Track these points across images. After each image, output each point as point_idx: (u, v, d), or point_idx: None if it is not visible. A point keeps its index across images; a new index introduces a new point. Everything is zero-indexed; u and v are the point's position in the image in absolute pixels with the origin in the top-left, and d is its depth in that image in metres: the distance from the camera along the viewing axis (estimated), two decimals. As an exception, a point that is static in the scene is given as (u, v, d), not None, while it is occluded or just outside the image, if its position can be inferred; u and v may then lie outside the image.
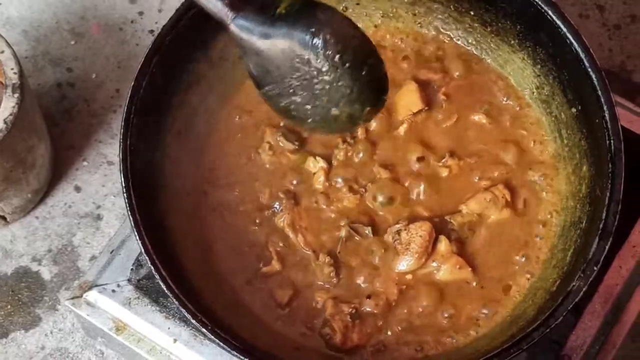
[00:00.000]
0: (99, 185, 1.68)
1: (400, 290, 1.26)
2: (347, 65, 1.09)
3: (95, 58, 1.78)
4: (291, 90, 1.12)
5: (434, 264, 1.26)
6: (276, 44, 1.10)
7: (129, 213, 1.16)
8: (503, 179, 1.30)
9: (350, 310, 1.24)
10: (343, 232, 1.27)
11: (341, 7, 1.38)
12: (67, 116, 1.73)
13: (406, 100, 1.34)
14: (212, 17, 1.11)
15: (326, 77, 1.10)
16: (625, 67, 1.75)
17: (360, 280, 1.26)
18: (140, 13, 1.82)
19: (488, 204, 1.27)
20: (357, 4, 1.38)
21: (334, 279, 1.26)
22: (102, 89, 1.75)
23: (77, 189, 1.68)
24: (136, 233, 1.15)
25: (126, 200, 1.17)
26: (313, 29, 1.08)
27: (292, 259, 1.28)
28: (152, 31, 1.80)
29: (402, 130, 1.33)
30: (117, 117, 1.72)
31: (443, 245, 1.26)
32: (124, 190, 1.17)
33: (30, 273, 1.61)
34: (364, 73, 1.11)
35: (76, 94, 1.75)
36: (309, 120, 1.15)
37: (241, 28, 1.10)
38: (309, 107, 1.14)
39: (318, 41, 1.08)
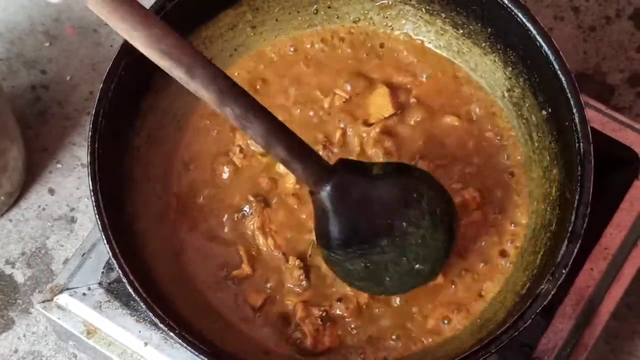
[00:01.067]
0: (72, 187, 1.67)
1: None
2: (442, 218, 1.17)
3: (70, 60, 1.77)
4: (377, 249, 1.16)
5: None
6: (376, 199, 1.15)
7: (97, 216, 1.15)
8: (473, 181, 1.30)
9: (321, 313, 1.24)
10: (313, 235, 1.27)
11: (312, 9, 1.37)
12: (40, 118, 1.72)
13: (378, 104, 1.34)
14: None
15: (422, 231, 1.15)
16: (600, 68, 1.75)
17: (330, 283, 1.26)
18: (115, 15, 1.81)
19: (458, 207, 1.27)
20: (329, 7, 1.38)
21: (304, 282, 1.26)
22: (76, 91, 1.75)
23: (51, 191, 1.67)
24: (104, 237, 1.15)
25: (94, 204, 1.16)
26: (414, 185, 1.16)
27: (263, 263, 1.28)
28: (126, 33, 1.79)
29: (373, 133, 1.33)
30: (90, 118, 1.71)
31: None
32: (92, 193, 1.17)
33: (3, 276, 1.61)
34: (452, 226, 1.19)
35: (50, 96, 1.74)
36: (386, 280, 1.18)
37: (339, 188, 1.13)
38: (392, 266, 1.17)
39: (420, 196, 1.15)
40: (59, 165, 1.69)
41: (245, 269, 1.26)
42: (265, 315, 1.25)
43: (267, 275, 1.27)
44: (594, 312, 1.32)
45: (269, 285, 1.26)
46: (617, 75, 1.75)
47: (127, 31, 1.04)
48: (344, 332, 1.24)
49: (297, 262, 1.26)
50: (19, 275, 1.61)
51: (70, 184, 1.68)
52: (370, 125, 1.33)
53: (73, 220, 1.65)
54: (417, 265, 1.17)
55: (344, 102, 1.34)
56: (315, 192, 1.14)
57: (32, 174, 1.68)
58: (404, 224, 1.15)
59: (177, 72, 1.05)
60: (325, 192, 1.13)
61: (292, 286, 1.26)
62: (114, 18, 1.03)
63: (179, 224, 1.30)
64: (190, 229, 1.29)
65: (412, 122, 1.34)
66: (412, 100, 1.35)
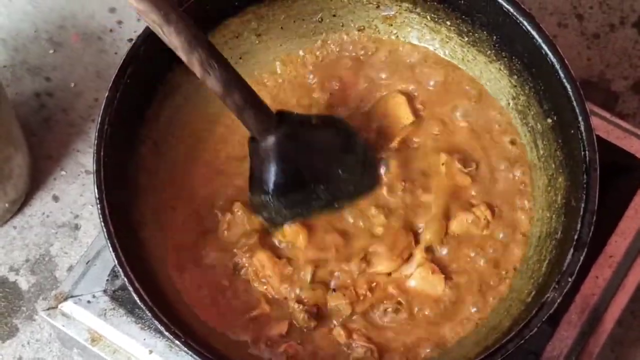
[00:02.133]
0: (77, 194, 1.67)
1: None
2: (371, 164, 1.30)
3: (74, 67, 1.77)
4: (314, 195, 1.27)
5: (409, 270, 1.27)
6: (317, 146, 1.27)
7: (102, 224, 1.15)
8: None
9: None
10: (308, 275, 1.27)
11: (317, 18, 1.37)
12: (45, 126, 1.72)
13: (397, 112, 1.34)
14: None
15: (355, 178, 1.28)
16: (604, 76, 1.76)
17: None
18: (120, 22, 1.82)
19: (469, 225, 1.27)
20: (334, 15, 1.38)
21: (312, 323, 1.25)
22: (80, 98, 1.75)
23: (55, 198, 1.67)
24: (110, 244, 1.14)
25: (99, 212, 1.16)
26: (348, 134, 1.30)
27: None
28: (131, 40, 1.79)
29: (395, 143, 1.33)
30: (95, 126, 1.71)
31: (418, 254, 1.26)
32: (98, 201, 1.16)
33: (7, 283, 1.61)
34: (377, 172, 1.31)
35: (55, 104, 1.74)
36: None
37: (286, 136, 1.21)
38: (321, 209, 1.28)
39: (354, 144, 1.30)
40: (63, 173, 1.69)
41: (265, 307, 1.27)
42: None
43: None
44: (599, 319, 1.32)
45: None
46: (621, 83, 1.75)
47: None
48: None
49: (299, 306, 1.25)
50: (23, 282, 1.61)
51: (74, 191, 1.68)
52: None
53: (77, 227, 1.65)
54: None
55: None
56: (260, 140, 1.21)
57: (36, 181, 1.68)
58: (340, 170, 1.27)
59: (153, 16, 1.09)
60: (272, 140, 1.20)
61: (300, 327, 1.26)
62: None
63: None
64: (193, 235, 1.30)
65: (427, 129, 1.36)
66: (419, 106, 1.35)
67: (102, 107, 1.20)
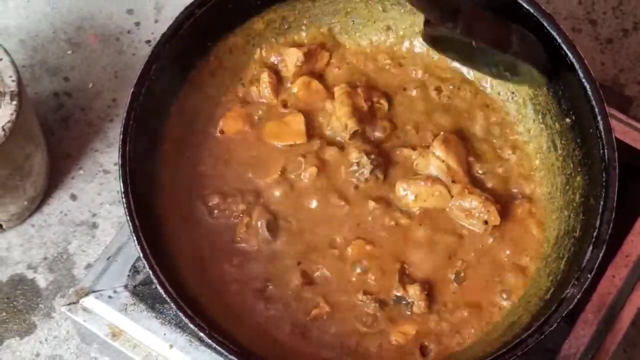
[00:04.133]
0: (94, 193, 1.69)
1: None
2: None
3: (92, 68, 1.79)
4: None
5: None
6: None
7: (128, 219, 1.16)
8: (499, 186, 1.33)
9: None
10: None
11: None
12: (63, 125, 1.73)
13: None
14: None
15: None
16: (618, 80, 1.77)
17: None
18: (137, 24, 1.84)
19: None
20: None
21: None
22: (98, 98, 1.76)
23: (73, 197, 1.68)
24: (135, 238, 1.16)
25: (125, 206, 1.17)
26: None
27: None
28: (148, 41, 1.81)
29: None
30: (113, 126, 1.73)
31: None
32: (123, 195, 1.18)
33: (25, 280, 1.62)
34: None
35: (73, 103, 1.76)
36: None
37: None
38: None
39: None
40: (81, 172, 1.70)
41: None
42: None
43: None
44: (615, 318, 1.33)
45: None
46: (635, 87, 1.76)
47: None
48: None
49: None
50: (41, 280, 1.62)
51: (92, 190, 1.69)
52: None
53: (95, 225, 1.66)
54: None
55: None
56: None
57: (54, 179, 1.69)
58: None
59: None
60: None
61: None
62: None
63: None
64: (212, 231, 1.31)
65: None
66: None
67: (128, 102, 1.21)
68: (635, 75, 1.77)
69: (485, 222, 1.28)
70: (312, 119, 1.37)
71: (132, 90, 1.22)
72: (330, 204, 1.31)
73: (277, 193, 1.32)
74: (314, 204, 1.31)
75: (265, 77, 1.37)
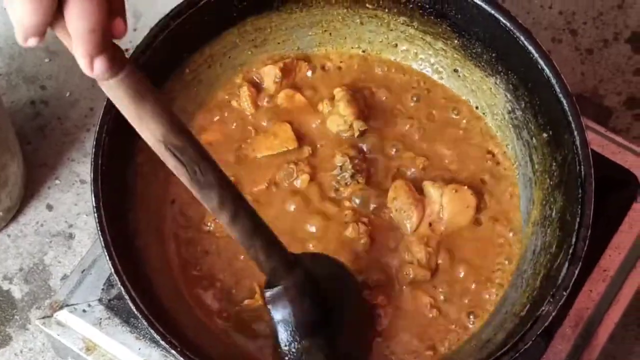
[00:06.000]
0: (71, 203, 1.68)
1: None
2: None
3: (70, 76, 1.78)
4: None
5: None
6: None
7: (100, 234, 1.15)
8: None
9: None
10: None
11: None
12: (40, 134, 1.72)
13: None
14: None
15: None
16: (597, 91, 1.77)
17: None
18: (115, 32, 1.82)
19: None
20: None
21: None
22: (75, 107, 1.75)
23: (50, 207, 1.67)
24: (106, 254, 1.14)
25: (97, 220, 1.16)
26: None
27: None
28: (126, 50, 1.79)
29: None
30: (90, 135, 1.72)
31: None
32: (95, 210, 1.16)
33: (0, 292, 1.60)
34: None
35: (50, 112, 1.74)
36: None
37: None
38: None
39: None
40: (57, 181, 1.69)
41: (259, 299, 1.26)
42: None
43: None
44: (592, 333, 1.32)
45: None
46: (614, 98, 1.76)
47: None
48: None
49: None
50: (17, 291, 1.61)
51: (68, 200, 1.68)
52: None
53: (71, 236, 1.65)
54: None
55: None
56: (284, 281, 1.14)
57: (30, 189, 1.68)
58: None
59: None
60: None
61: None
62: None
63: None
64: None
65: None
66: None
67: (100, 114, 1.20)
68: (614, 86, 1.77)
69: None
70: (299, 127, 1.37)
71: (104, 103, 1.21)
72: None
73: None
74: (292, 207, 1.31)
75: (244, 90, 1.36)
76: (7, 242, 1.64)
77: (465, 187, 1.29)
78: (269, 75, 1.37)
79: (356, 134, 1.33)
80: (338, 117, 1.34)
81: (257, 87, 1.38)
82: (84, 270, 1.37)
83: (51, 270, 1.63)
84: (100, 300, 1.35)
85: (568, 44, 1.81)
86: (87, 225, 1.66)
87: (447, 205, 1.28)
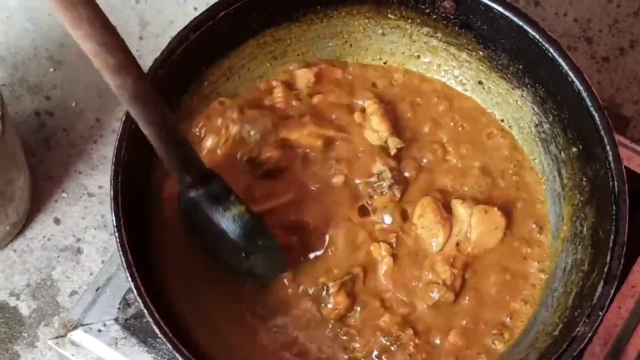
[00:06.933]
0: (78, 217, 1.64)
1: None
2: None
3: (75, 86, 1.74)
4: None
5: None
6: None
7: (121, 254, 1.12)
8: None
9: None
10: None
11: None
12: (45, 145, 1.68)
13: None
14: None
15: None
16: (615, 100, 1.74)
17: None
18: (121, 41, 1.79)
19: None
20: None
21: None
22: (82, 118, 1.71)
23: (57, 221, 1.63)
24: (129, 275, 1.11)
25: (117, 240, 1.13)
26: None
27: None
28: (133, 58, 1.76)
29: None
30: (97, 147, 1.68)
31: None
32: (115, 229, 1.14)
33: (7, 308, 1.57)
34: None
35: (55, 123, 1.70)
36: None
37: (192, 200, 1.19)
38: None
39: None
40: (64, 195, 1.65)
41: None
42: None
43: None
44: (621, 350, 1.30)
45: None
46: (631, 107, 1.74)
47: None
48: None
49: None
50: (24, 308, 1.57)
51: (76, 214, 1.64)
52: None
53: (79, 251, 1.61)
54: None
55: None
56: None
57: (36, 202, 1.64)
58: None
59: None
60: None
61: None
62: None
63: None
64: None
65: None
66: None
67: (119, 132, 1.18)
68: (631, 95, 1.75)
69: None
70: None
71: (122, 118, 1.18)
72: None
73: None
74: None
75: (278, 91, 1.35)
76: (14, 257, 1.60)
77: (495, 208, 1.27)
78: (302, 78, 1.35)
79: (392, 152, 1.31)
80: (372, 132, 1.31)
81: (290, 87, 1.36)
82: (98, 288, 1.35)
83: (59, 285, 1.59)
84: (116, 319, 1.33)
85: (584, 52, 1.78)
86: (95, 239, 1.62)
87: (476, 225, 1.25)
